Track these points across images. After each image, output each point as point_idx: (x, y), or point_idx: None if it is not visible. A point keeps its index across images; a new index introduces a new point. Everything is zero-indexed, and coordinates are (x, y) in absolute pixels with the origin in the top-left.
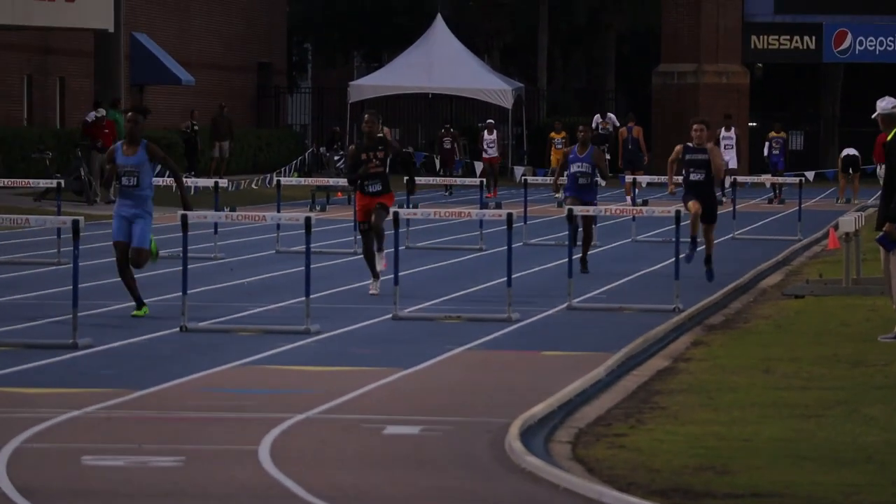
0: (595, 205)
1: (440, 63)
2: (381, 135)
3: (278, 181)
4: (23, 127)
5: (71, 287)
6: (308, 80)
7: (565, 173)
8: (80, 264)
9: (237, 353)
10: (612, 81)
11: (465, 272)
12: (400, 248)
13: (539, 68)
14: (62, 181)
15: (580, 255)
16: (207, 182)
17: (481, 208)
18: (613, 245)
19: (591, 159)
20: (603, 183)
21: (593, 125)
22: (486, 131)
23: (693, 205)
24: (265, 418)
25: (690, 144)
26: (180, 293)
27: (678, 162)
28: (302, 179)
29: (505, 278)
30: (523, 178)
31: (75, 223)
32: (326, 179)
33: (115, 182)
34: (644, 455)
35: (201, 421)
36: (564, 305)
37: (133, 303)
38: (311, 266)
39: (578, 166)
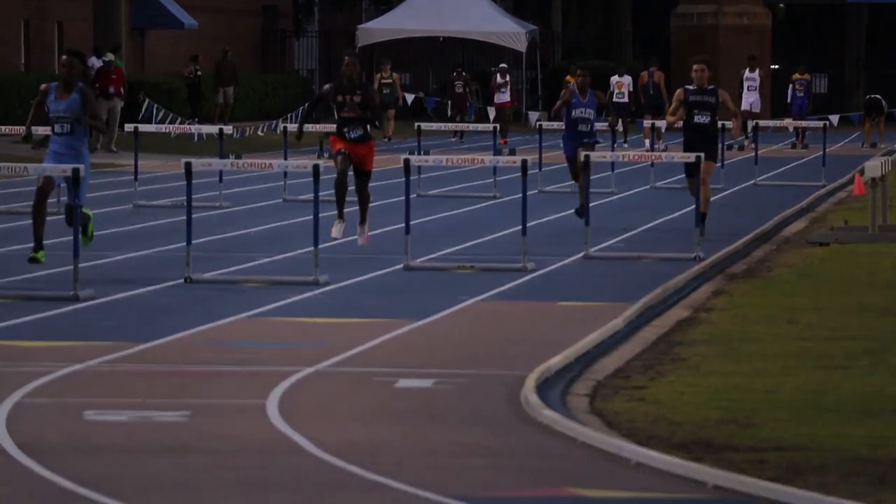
0: (594, 143)
1: (452, 5)
2: (363, 80)
3: (285, 127)
4: (20, 73)
5: (71, 237)
6: (315, 23)
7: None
8: (81, 212)
9: (243, 305)
10: (629, 24)
11: (478, 221)
12: (411, 196)
13: (553, 10)
14: None
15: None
16: (212, 129)
17: (495, 155)
18: (631, 192)
19: (594, 103)
20: (615, 127)
21: (609, 91)
22: (498, 75)
23: (692, 187)
24: (273, 372)
25: (691, 87)
26: (184, 243)
27: (680, 105)
28: (309, 126)
29: (519, 227)
30: (538, 123)
31: (75, 171)
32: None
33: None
34: (664, 408)
35: (207, 375)
36: (581, 254)
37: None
38: (320, 215)
39: (581, 112)
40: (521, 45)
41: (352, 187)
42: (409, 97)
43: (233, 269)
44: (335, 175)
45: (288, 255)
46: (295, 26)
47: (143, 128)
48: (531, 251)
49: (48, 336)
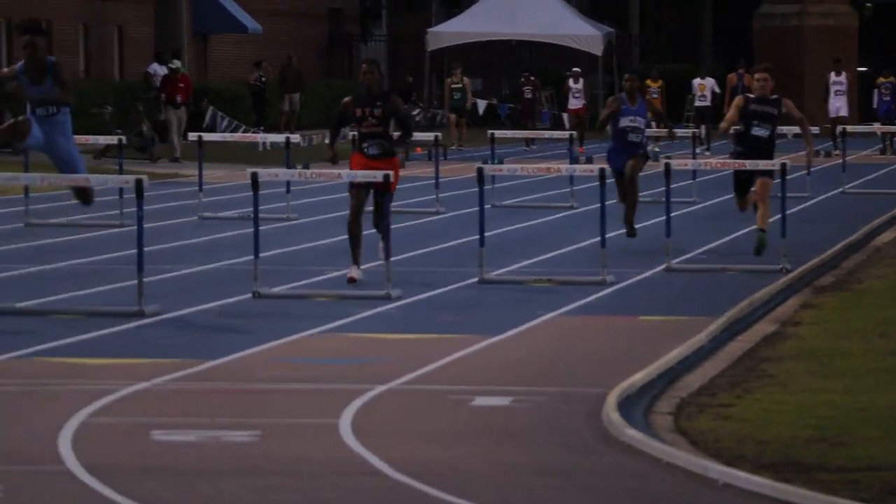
0: (644, 154)
1: (524, 7)
2: (385, 90)
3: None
4: (80, 79)
5: (136, 251)
6: (383, 27)
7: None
8: (145, 226)
9: (313, 321)
10: (710, 25)
11: (555, 232)
12: (485, 206)
13: (631, 12)
14: (123, 137)
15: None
16: (278, 138)
17: (571, 163)
18: (714, 201)
19: (645, 110)
20: (674, 136)
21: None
22: (571, 80)
23: (740, 204)
24: (345, 389)
25: (751, 95)
26: (252, 256)
27: (738, 114)
28: None
29: (598, 238)
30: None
31: (139, 182)
32: None
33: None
34: (752, 426)
35: (277, 393)
36: (663, 266)
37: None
38: (392, 227)
39: (630, 120)
40: (598, 49)
41: (369, 208)
42: (482, 104)
43: (302, 282)
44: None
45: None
46: (362, 30)
47: (207, 137)
48: (610, 264)
49: (113, 353)
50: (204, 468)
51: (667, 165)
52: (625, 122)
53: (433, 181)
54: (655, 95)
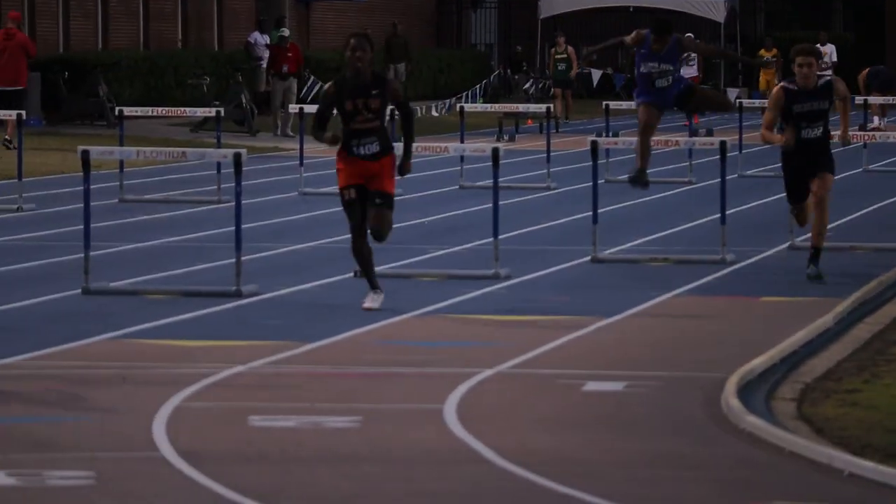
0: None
1: None
2: (378, 72)
3: (461, 107)
4: (177, 49)
5: (234, 228)
6: None
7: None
8: (244, 202)
9: (418, 301)
10: None
11: (672, 208)
12: (599, 181)
13: None
14: (221, 110)
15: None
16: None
17: (690, 135)
18: (842, 175)
19: (675, 56)
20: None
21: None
22: None
23: (799, 216)
24: (450, 373)
25: (793, 87)
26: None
27: (779, 112)
28: (488, 105)
29: (718, 215)
30: (737, 100)
31: (237, 156)
32: (515, 105)
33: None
34: (880, 413)
35: (379, 377)
36: (786, 245)
37: None
38: (500, 203)
39: (653, 67)
40: (720, 16)
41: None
42: (596, 74)
43: (406, 261)
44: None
45: (466, 246)
46: None
47: (308, 109)
48: (731, 242)
49: (209, 335)
50: (302, 455)
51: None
52: (646, 67)
53: (544, 155)
54: (771, 65)
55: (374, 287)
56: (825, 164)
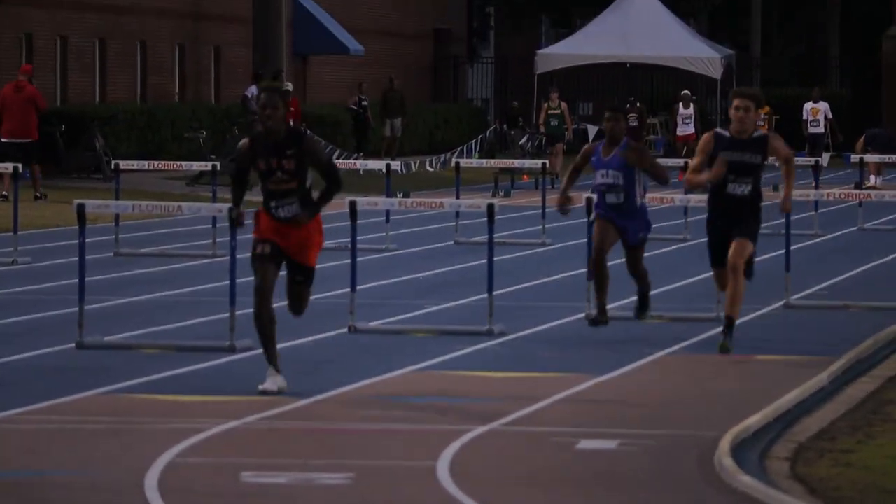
0: (639, 239)
1: (639, 28)
2: (296, 126)
3: (457, 163)
4: (174, 102)
5: (228, 282)
6: (490, 48)
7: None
8: (238, 257)
9: (412, 357)
10: (836, 47)
11: (667, 265)
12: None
13: (752, 33)
14: (218, 163)
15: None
16: (378, 164)
17: (685, 193)
18: (836, 234)
19: (623, 163)
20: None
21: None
22: (681, 104)
23: (720, 281)
24: (443, 430)
25: (726, 133)
26: (348, 289)
27: (708, 159)
28: (483, 161)
29: (711, 273)
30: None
31: (231, 211)
32: (511, 161)
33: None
34: (874, 474)
35: (372, 433)
36: (781, 303)
37: None
38: (495, 259)
39: (603, 175)
40: (716, 72)
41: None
42: (592, 129)
43: (400, 317)
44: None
45: (460, 302)
46: (469, 52)
47: None
48: (724, 299)
49: (203, 390)
50: None
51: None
52: (598, 178)
53: (540, 211)
54: (761, 123)
55: (271, 363)
56: (746, 228)
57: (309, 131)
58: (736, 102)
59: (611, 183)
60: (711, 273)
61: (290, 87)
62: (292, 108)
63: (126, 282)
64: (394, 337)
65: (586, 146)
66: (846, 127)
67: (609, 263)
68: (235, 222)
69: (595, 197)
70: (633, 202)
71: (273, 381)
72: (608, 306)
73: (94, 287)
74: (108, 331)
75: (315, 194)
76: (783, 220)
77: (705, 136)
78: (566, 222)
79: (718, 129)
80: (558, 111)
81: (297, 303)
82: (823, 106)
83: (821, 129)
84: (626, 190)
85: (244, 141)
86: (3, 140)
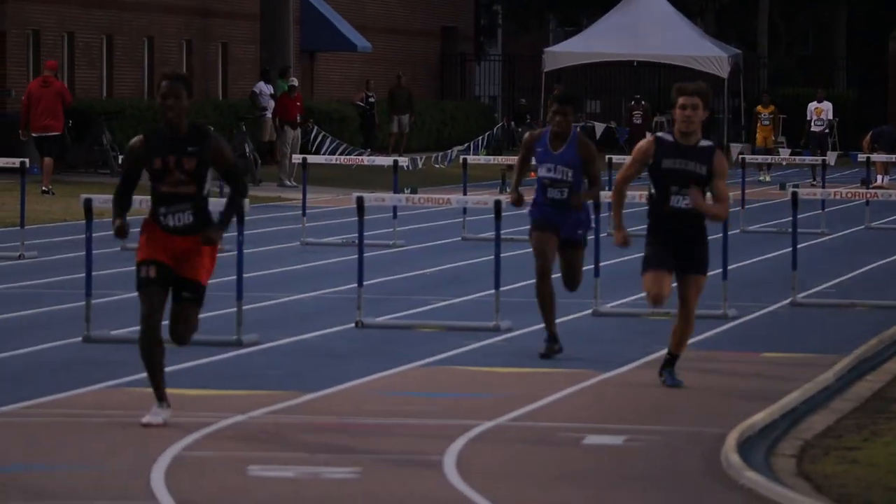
0: (578, 236)
1: (647, 27)
2: (200, 123)
3: (464, 159)
4: None
5: (235, 277)
6: (497, 46)
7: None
8: (245, 252)
9: (419, 352)
10: (843, 47)
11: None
12: (601, 234)
13: (759, 33)
14: None
15: (545, 323)
16: (385, 160)
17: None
18: (844, 233)
19: (576, 160)
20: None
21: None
22: None
23: (651, 284)
24: (450, 425)
25: (669, 137)
26: (355, 284)
27: (642, 169)
28: (491, 158)
29: (720, 270)
30: (740, 156)
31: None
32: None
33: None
34: (880, 471)
35: (379, 428)
36: (788, 301)
37: None
38: (502, 255)
39: (549, 169)
40: (724, 71)
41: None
42: (600, 127)
43: (407, 312)
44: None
45: (467, 298)
46: (476, 49)
47: (311, 159)
48: (732, 297)
49: (209, 384)
50: None
51: (794, 195)
52: (542, 171)
53: None
54: (767, 123)
55: (160, 399)
56: (696, 257)
57: (317, 127)
58: (681, 100)
59: (558, 178)
60: (644, 279)
61: (296, 82)
62: (298, 103)
63: (132, 276)
64: (401, 332)
65: (528, 134)
66: (852, 127)
67: (586, 268)
68: (118, 234)
69: (518, 201)
70: (576, 214)
71: (157, 414)
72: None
73: (101, 281)
74: (114, 325)
75: (214, 209)
76: (790, 219)
77: (644, 141)
78: None
79: (660, 134)
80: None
81: (182, 325)
82: (827, 106)
83: (825, 129)
84: (572, 186)
85: (136, 138)
86: (33, 135)
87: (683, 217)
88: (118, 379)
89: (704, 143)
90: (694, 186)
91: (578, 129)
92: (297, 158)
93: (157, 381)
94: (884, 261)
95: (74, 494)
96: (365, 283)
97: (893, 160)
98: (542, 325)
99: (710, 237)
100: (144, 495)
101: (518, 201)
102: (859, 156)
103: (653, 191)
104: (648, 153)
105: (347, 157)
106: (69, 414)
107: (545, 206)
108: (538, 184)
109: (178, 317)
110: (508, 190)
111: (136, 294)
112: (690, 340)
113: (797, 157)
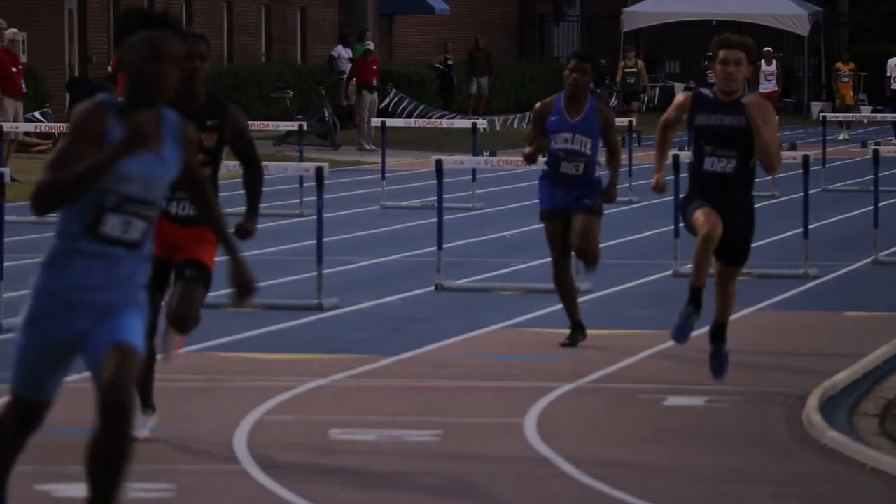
0: (594, 208)
1: None
2: (215, 95)
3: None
4: (261, 63)
5: (315, 241)
6: (576, 6)
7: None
8: (325, 216)
9: (499, 315)
10: None
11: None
12: (681, 195)
13: None
14: (304, 123)
15: (569, 309)
16: (465, 123)
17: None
18: None
19: (595, 126)
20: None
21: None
22: (763, 61)
23: (705, 219)
24: (530, 387)
25: (707, 92)
26: (435, 247)
27: (678, 127)
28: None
29: (801, 229)
30: (821, 114)
31: (319, 170)
32: None
33: None
34: None
35: (460, 390)
36: (870, 259)
37: None
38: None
39: (567, 140)
40: (804, 29)
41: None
42: (679, 87)
43: (487, 275)
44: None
45: (546, 260)
46: (554, 10)
47: (390, 122)
48: (814, 256)
49: (291, 348)
50: (384, 469)
51: (875, 152)
52: (557, 141)
53: (626, 169)
54: (846, 80)
55: (145, 405)
56: (736, 235)
57: (395, 89)
58: (722, 54)
59: (575, 150)
60: (698, 220)
61: (371, 45)
62: (374, 66)
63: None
64: (480, 295)
65: (538, 105)
66: None
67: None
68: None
69: (531, 154)
70: (591, 174)
71: (144, 424)
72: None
73: None
74: None
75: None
76: (871, 177)
77: (678, 98)
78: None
79: (702, 90)
80: (635, 69)
81: (186, 312)
82: None
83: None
84: (589, 159)
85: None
86: None
87: (719, 183)
88: (200, 344)
89: (742, 94)
90: (732, 149)
91: (592, 95)
92: (375, 122)
93: (145, 392)
94: None
95: (159, 457)
96: (444, 246)
97: None
98: (625, 286)
99: (788, 197)
100: (227, 458)
101: (532, 157)
102: None
103: (692, 151)
104: (685, 107)
105: (426, 119)
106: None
107: (555, 186)
108: (550, 157)
109: (183, 297)
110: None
111: (216, 259)
112: (771, 301)
113: (878, 115)
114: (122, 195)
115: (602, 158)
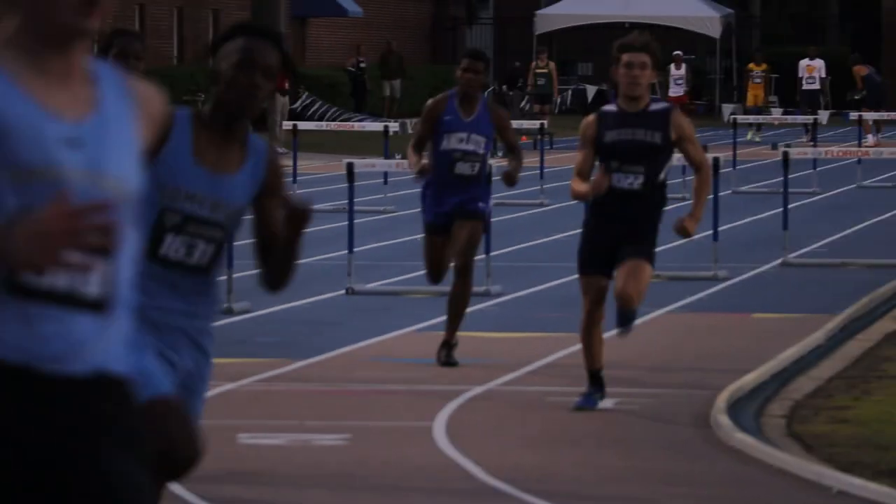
0: (479, 209)
1: None
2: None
3: None
4: (173, 65)
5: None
6: (489, 9)
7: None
8: None
9: (408, 319)
10: (836, 5)
11: (664, 224)
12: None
13: None
14: None
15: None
16: (376, 126)
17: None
18: (834, 192)
19: (489, 125)
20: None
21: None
22: (672, 65)
23: (589, 298)
24: (440, 391)
25: (611, 108)
26: (346, 251)
27: (592, 148)
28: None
29: (710, 231)
30: (732, 117)
31: None
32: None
33: None
34: (870, 430)
35: (369, 394)
36: (779, 261)
37: None
38: (493, 220)
39: (461, 140)
40: (716, 31)
41: None
42: (591, 90)
43: (398, 278)
44: None
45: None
46: (467, 13)
47: (302, 125)
48: (723, 258)
49: None
50: (292, 473)
51: (785, 154)
52: (451, 141)
53: (538, 171)
54: (758, 81)
55: None
56: (639, 241)
57: (307, 93)
58: (625, 58)
59: (470, 151)
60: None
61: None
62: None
63: None
64: (391, 298)
65: (431, 102)
66: (845, 85)
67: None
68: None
69: (427, 168)
70: (484, 174)
71: None
72: None
73: None
74: None
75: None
76: (781, 179)
77: (588, 119)
78: (564, 182)
79: (604, 107)
80: (546, 71)
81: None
82: (819, 63)
83: (816, 87)
84: (483, 159)
85: None
86: None
87: (626, 200)
88: None
89: (656, 105)
90: (643, 163)
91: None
92: (287, 125)
93: None
94: (876, 219)
95: None
96: (355, 249)
97: (886, 118)
98: (535, 289)
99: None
100: None
101: (425, 171)
102: (851, 114)
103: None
104: (591, 130)
105: (338, 123)
106: None
107: (444, 189)
108: (442, 159)
109: None
110: (409, 160)
111: None
112: (680, 302)
113: (789, 117)
114: (184, 213)
115: (495, 160)
